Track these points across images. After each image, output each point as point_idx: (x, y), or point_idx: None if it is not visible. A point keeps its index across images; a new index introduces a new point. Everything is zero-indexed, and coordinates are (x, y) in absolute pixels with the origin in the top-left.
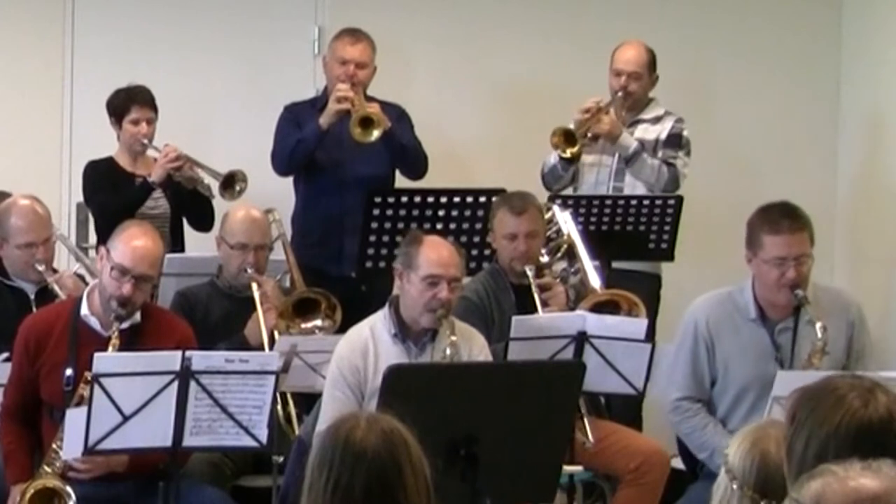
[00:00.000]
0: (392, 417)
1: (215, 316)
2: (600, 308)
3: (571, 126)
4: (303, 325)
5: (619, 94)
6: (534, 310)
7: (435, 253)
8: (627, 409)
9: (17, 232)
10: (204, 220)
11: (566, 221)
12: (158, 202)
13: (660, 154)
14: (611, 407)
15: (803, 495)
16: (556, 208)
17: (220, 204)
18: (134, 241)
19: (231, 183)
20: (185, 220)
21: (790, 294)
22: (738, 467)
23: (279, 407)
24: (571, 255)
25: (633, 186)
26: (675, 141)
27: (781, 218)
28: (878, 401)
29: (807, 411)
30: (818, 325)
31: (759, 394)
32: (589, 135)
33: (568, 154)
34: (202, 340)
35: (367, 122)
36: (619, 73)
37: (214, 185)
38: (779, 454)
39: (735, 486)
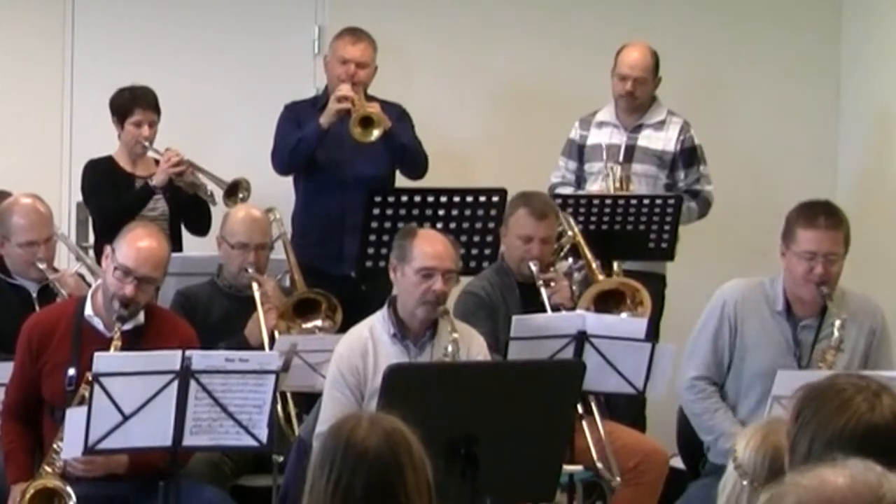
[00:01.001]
0: (394, 417)
1: (215, 316)
2: (605, 298)
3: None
4: (303, 326)
5: (622, 97)
6: (539, 307)
7: (429, 245)
8: (631, 409)
9: (19, 230)
10: (201, 225)
11: (568, 220)
12: (157, 203)
13: (681, 176)
14: (612, 407)
15: None
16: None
17: (218, 206)
18: (139, 243)
19: (234, 191)
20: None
21: (815, 290)
22: (748, 463)
23: (279, 407)
24: (575, 253)
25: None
26: (691, 157)
27: (818, 214)
28: (884, 404)
29: (811, 411)
30: (836, 322)
31: (769, 386)
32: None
33: None
34: (202, 340)
35: (367, 122)
36: (623, 77)
37: (216, 191)
38: None
39: (745, 483)
